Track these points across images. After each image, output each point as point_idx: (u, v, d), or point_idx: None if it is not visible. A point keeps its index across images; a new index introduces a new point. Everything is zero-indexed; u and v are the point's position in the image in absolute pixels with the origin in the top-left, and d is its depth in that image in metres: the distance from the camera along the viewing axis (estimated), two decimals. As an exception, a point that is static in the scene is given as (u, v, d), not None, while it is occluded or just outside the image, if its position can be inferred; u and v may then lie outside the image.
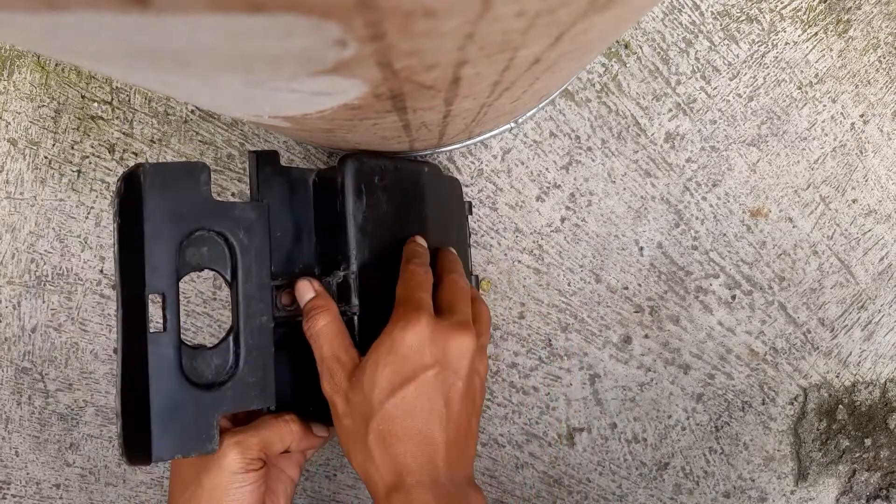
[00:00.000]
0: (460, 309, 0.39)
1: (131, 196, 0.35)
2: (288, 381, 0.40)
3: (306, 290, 0.40)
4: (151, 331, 0.35)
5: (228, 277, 0.38)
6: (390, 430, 0.35)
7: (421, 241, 0.43)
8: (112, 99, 0.53)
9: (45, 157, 0.53)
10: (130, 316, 0.35)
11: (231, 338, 0.38)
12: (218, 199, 0.38)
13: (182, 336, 0.37)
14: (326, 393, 0.38)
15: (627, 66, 0.54)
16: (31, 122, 0.53)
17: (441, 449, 0.36)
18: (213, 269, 0.38)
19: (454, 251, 0.45)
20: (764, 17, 0.55)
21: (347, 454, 0.38)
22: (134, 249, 0.35)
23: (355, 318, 0.40)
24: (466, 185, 0.54)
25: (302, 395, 0.40)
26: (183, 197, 0.35)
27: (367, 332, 0.39)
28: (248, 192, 0.41)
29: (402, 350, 0.36)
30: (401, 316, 0.37)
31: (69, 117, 0.53)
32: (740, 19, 0.54)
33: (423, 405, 0.36)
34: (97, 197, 0.53)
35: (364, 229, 0.40)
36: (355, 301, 0.40)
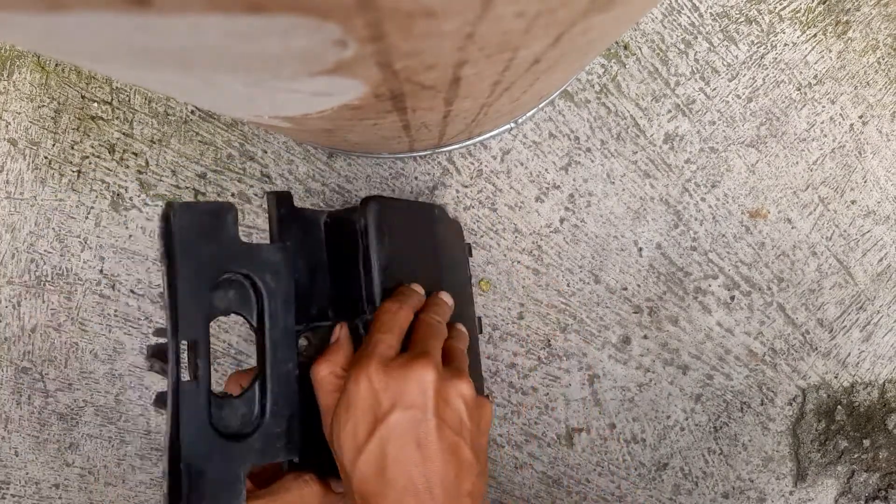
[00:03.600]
0: (420, 342, 0.36)
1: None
2: (307, 431, 0.38)
3: (334, 333, 0.38)
4: (183, 379, 0.33)
5: (255, 322, 0.36)
6: (369, 491, 0.33)
7: (415, 286, 0.42)
8: (112, 99, 0.53)
9: (45, 158, 0.53)
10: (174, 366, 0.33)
11: (257, 385, 0.36)
12: (245, 240, 0.36)
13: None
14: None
15: (627, 67, 0.54)
16: (31, 122, 0.53)
17: (426, 495, 0.33)
18: (239, 314, 0.36)
19: (444, 295, 0.43)
20: (763, 19, 0.55)
21: None
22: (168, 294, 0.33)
23: None
24: (466, 186, 0.54)
25: (322, 446, 0.38)
26: (212, 240, 0.34)
27: None
28: (268, 227, 0.40)
29: (356, 402, 0.34)
30: (353, 365, 0.35)
31: (69, 117, 0.53)
32: (739, 21, 0.55)
33: (393, 455, 0.33)
34: (97, 197, 0.53)
35: (386, 271, 0.40)
36: None
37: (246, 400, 0.36)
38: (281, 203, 0.38)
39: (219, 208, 0.34)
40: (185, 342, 0.32)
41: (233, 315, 0.36)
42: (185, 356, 0.32)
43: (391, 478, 0.33)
